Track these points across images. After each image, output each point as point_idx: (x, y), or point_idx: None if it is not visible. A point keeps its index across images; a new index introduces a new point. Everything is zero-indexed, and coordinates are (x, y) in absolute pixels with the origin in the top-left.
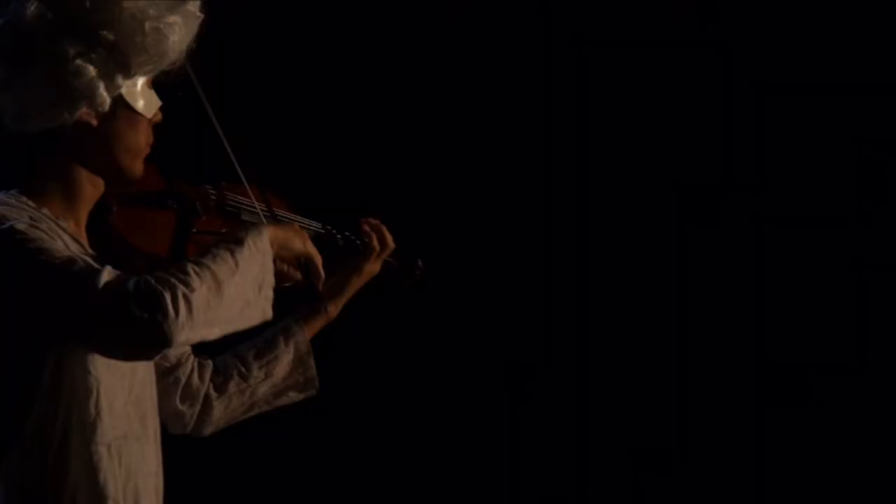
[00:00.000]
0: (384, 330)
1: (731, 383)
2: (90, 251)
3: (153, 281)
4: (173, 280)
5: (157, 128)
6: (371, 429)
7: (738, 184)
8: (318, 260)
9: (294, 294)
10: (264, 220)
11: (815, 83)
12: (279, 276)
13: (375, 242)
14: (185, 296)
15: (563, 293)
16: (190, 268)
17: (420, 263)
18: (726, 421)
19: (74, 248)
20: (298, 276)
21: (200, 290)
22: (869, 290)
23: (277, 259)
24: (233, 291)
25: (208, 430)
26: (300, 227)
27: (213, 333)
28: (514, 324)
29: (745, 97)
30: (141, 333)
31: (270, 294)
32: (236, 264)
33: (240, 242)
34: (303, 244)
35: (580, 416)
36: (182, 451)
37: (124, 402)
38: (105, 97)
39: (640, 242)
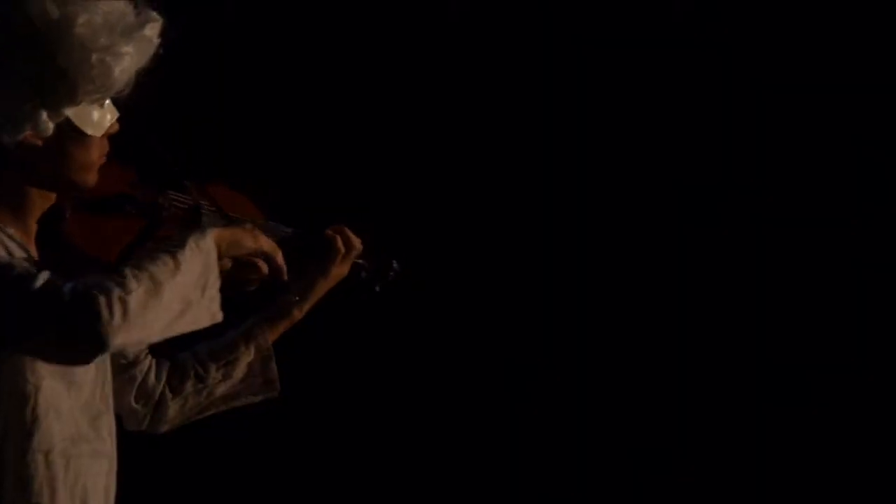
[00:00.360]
0: (385, 329)
1: (731, 383)
2: (36, 258)
3: (88, 285)
4: (109, 283)
5: (129, 128)
6: (370, 429)
7: (738, 184)
8: (277, 253)
9: (262, 294)
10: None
11: (815, 83)
12: (240, 276)
13: (340, 244)
14: (120, 298)
15: (563, 293)
16: (127, 270)
17: (394, 265)
18: (726, 421)
19: (19, 254)
20: (261, 272)
21: (137, 292)
22: (869, 290)
23: (232, 259)
24: (173, 293)
25: (163, 428)
26: (265, 230)
27: (154, 336)
28: (514, 324)
29: (745, 97)
30: (75, 337)
31: (215, 294)
32: (177, 265)
33: (181, 244)
34: (254, 241)
35: (580, 416)
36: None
37: (71, 407)
38: (48, 124)
39: (640, 243)
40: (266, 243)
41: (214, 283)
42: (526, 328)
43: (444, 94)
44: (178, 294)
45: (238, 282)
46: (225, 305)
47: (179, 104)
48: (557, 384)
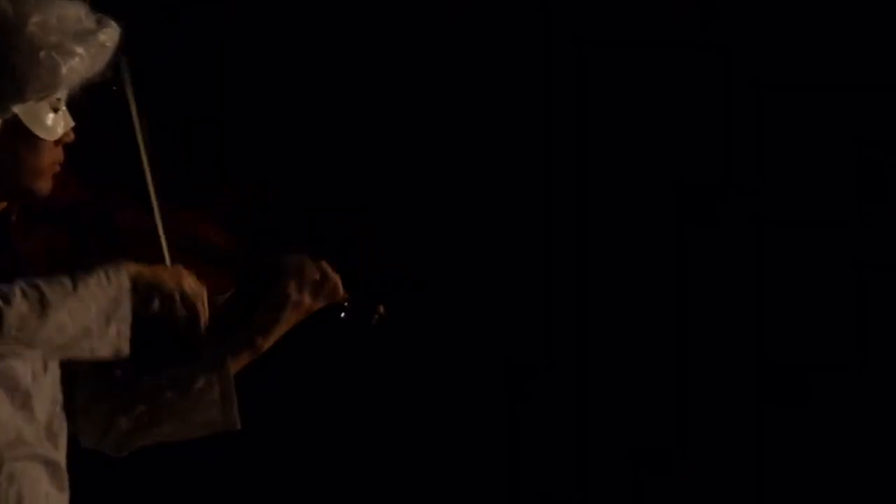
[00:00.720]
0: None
1: (731, 383)
2: None
3: None
4: None
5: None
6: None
7: (738, 184)
8: (198, 298)
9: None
10: (166, 249)
11: (814, 83)
12: (156, 312)
13: (292, 288)
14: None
15: (562, 293)
16: (18, 284)
17: (381, 309)
18: (726, 421)
19: None
20: (179, 315)
21: (18, 306)
22: (869, 290)
23: (153, 297)
24: (64, 316)
25: (120, 451)
26: (220, 260)
27: (33, 353)
28: (514, 324)
29: (745, 97)
30: None
31: (124, 330)
32: (74, 289)
33: (89, 271)
34: (175, 282)
35: (580, 416)
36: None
37: (12, 413)
38: None
39: (640, 242)
40: (189, 286)
41: (124, 318)
42: (526, 328)
43: (443, 94)
44: (72, 319)
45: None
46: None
47: (179, 105)
48: (557, 384)
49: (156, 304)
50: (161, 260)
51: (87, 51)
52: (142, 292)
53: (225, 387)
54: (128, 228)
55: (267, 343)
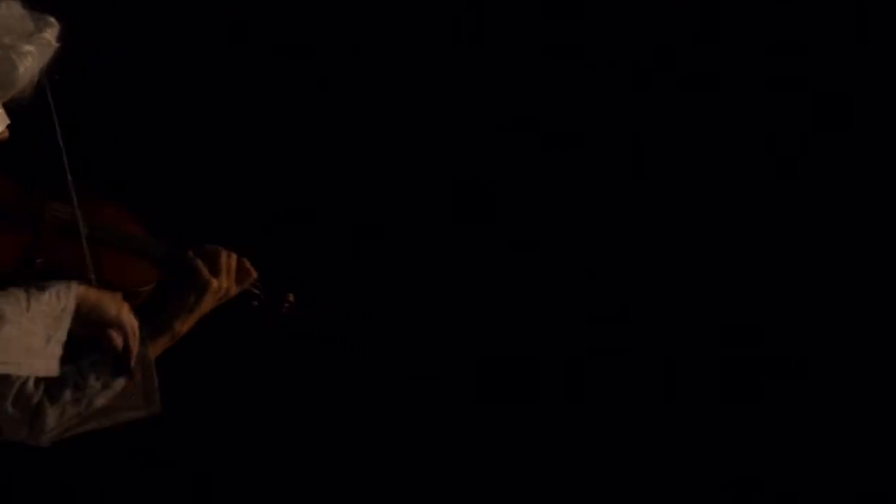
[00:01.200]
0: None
1: (731, 383)
2: None
3: None
4: None
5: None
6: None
7: (738, 183)
8: (133, 335)
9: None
10: (103, 243)
11: (815, 83)
12: (92, 335)
13: (205, 273)
14: None
15: (562, 293)
16: None
17: (290, 298)
18: (726, 421)
19: None
20: (111, 344)
21: None
22: (869, 290)
23: (87, 320)
24: (14, 332)
25: (42, 439)
26: (144, 248)
27: None
28: (514, 323)
29: (746, 97)
30: None
31: (57, 351)
32: (28, 307)
33: (42, 288)
34: (116, 313)
35: (580, 416)
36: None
37: None
38: None
39: (640, 242)
40: (128, 320)
41: (60, 339)
42: (526, 327)
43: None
44: (20, 335)
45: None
46: None
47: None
48: (557, 384)
49: (94, 329)
50: (82, 254)
51: (38, 49)
52: (84, 315)
53: (146, 370)
54: (54, 224)
55: (184, 328)
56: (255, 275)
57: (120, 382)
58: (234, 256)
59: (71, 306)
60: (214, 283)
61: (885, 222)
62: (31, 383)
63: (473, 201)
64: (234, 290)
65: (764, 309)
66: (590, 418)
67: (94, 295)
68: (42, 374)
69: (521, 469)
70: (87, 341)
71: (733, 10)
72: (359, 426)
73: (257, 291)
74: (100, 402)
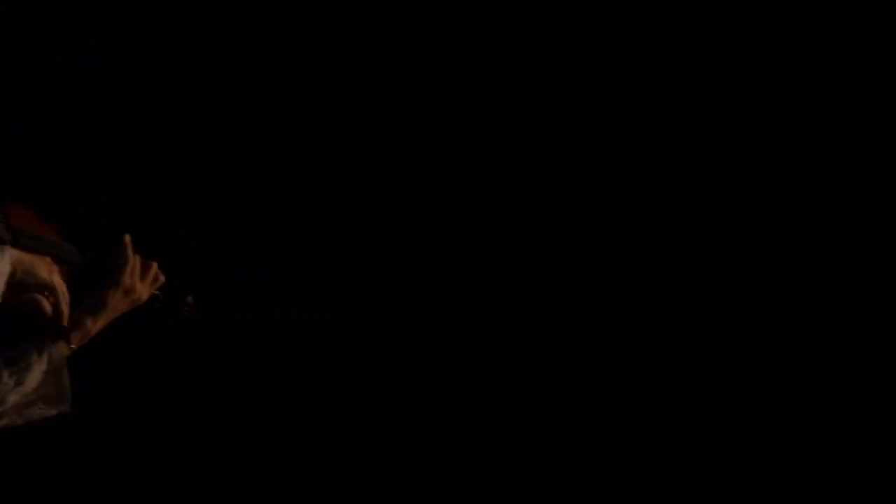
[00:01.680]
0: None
1: (730, 383)
2: None
3: None
4: None
5: None
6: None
7: (735, 183)
8: (64, 297)
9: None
10: (8, 241)
11: (813, 83)
12: (19, 304)
13: (129, 253)
14: None
15: (561, 293)
16: None
17: (189, 300)
18: (725, 421)
19: None
20: (44, 307)
21: None
22: (868, 290)
23: (20, 285)
24: None
25: None
26: (56, 251)
27: None
28: (512, 323)
29: (743, 97)
30: None
31: None
32: None
33: None
34: (48, 275)
35: (578, 416)
36: None
37: None
38: None
39: (638, 242)
40: (58, 283)
41: None
42: (524, 327)
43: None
44: None
45: (18, 308)
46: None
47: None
48: (556, 384)
49: (27, 294)
50: None
51: None
52: (18, 279)
53: (58, 368)
54: None
55: (96, 327)
56: (163, 279)
57: (32, 380)
58: (145, 260)
59: (6, 269)
60: (127, 284)
61: (885, 222)
62: None
63: (471, 201)
64: (146, 293)
65: (763, 309)
66: (589, 418)
67: (27, 257)
68: None
69: (517, 469)
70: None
71: (730, 10)
72: (357, 427)
73: (159, 294)
74: (12, 399)
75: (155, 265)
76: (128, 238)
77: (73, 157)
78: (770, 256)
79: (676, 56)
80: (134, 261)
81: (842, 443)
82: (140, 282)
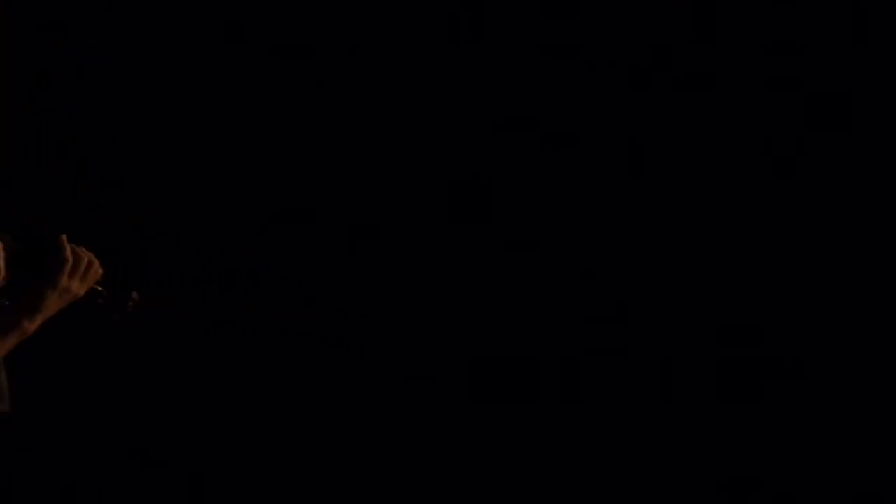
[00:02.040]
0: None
1: (730, 383)
2: None
3: None
4: None
5: None
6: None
7: (735, 183)
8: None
9: None
10: None
11: (813, 83)
12: None
13: (68, 254)
14: None
15: (560, 293)
16: None
17: (134, 296)
18: (725, 421)
19: None
20: None
21: None
22: (868, 290)
23: None
24: None
25: None
26: None
27: None
28: (512, 323)
29: (745, 96)
30: None
31: None
32: None
33: None
34: None
35: (578, 416)
36: None
37: None
38: None
39: (637, 242)
40: None
41: None
42: (524, 327)
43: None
44: None
45: None
46: None
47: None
48: (556, 384)
49: None
50: None
51: None
52: None
53: None
54: None
55: (34, 325)
56: (101, 273)
57: None
58: (85, 252)
59: None
60: (64, 285)
61: (885, 222)
62: None
63: (471, 201)
64: (83, 290)
65: (763, 309)
66: (589, 418)
67: None
68: None
69: (518, 469)
70: None
71: (729, 9)
72: (358, 426)
73: (101, 289)
74: None
75: (95, 261)
76: (64, 238)
77: (73, 157)
78: (770, 256)
79: (676, 56)
80: (71, 261)
81: (842, 443)
82: (78, 280)
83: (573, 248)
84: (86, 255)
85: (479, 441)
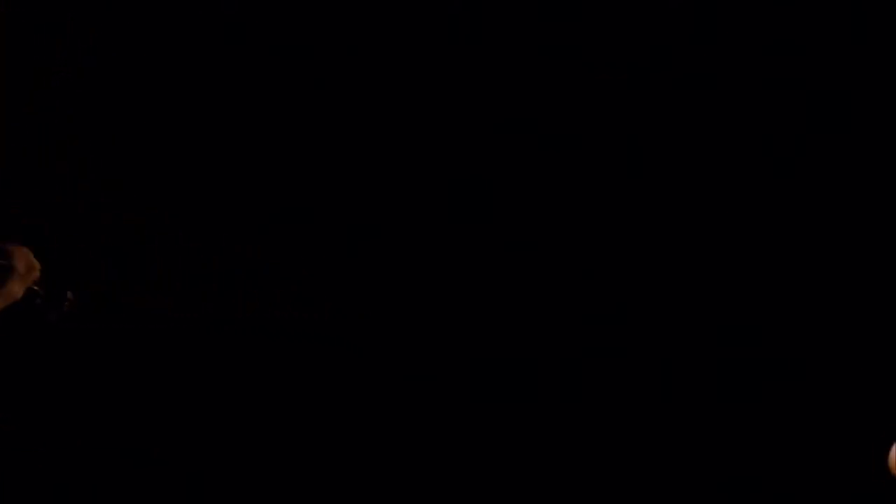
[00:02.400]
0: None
1: (730, 383)
2: None
3: None
4: None
5: None
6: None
7: (735, 183)
8: None
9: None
10: None
11: (814, 83)
12: None
13: (17, 263)
14: None
15: (561, 293)
16: None
17: (69, 295)
18: (725, 421)
19: None
20: None
21: None
22: (869, 290)
23: None
24: None
25: None
26: None
27: None
28: (512, 323)
29: (745, 97)
30: None
31: None
32: None
33: None
34: None
35: (578, 416)
36: None
37: None
38: None
39: (639, 242)
40: None
41: None
42: (523, 327)
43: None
44: None
45: None
46: None
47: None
48: (555, 384)
49: None
50: None
51: None
52: None
53: None
54: None
55: None
56: (37, 273)
57: None
58: (26, 257)
59: None
60: (11, 287)
61: (885, 222)
62: None
63: (471, 201)
64: (22, 291)
65: (763, 309)
66: (589, 418)
67: None
68: None
69: (518, 469)
70: None
71: (730, 10)
72: (357, 426)
73: (37, 288)
74: None
75: (34, 263)
76: (14, 248)
77: (73, 157)
78: (770, 256)
79: (676, 56)
80: (14, 255)
81: (842, 443)
82: (18, 283)
83: (573, 248)
84: (27, 258)
85: (479, 441)
